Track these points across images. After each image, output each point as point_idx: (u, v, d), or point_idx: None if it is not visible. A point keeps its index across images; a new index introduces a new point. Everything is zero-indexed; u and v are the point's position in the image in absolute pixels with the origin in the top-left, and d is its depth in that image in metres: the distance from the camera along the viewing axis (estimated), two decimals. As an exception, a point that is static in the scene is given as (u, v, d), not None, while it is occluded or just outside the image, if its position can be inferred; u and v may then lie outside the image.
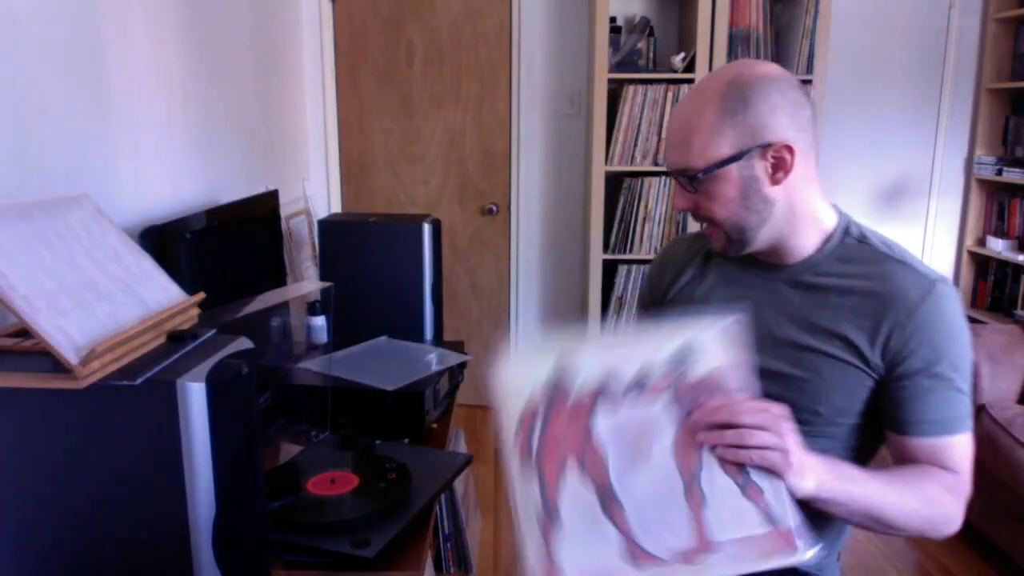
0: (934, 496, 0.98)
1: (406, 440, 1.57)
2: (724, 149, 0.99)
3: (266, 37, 2.65)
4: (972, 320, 3.39)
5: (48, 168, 1.32)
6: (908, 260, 1.05)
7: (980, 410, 2.35)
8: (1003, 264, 3.40)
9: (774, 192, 1.01)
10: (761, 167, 1.00)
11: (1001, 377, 2.39)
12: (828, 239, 1.08)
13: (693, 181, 1.01)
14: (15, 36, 1.23)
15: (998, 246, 3.35)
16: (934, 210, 3.57)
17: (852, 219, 1.13)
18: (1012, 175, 3.27)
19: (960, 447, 1.01)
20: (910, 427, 1.01)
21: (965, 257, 3.56)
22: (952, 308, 1.01)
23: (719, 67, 1.06)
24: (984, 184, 3.48)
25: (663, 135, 1.08)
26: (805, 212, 1.06)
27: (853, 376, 1.03)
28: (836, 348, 1.03)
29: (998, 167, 3.35)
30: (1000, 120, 3.43)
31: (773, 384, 1.04)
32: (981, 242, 3.52)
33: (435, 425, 1.66)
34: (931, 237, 3.59)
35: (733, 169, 0.99)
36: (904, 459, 1.03)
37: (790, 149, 0.99)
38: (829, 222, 1.10)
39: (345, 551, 1.12)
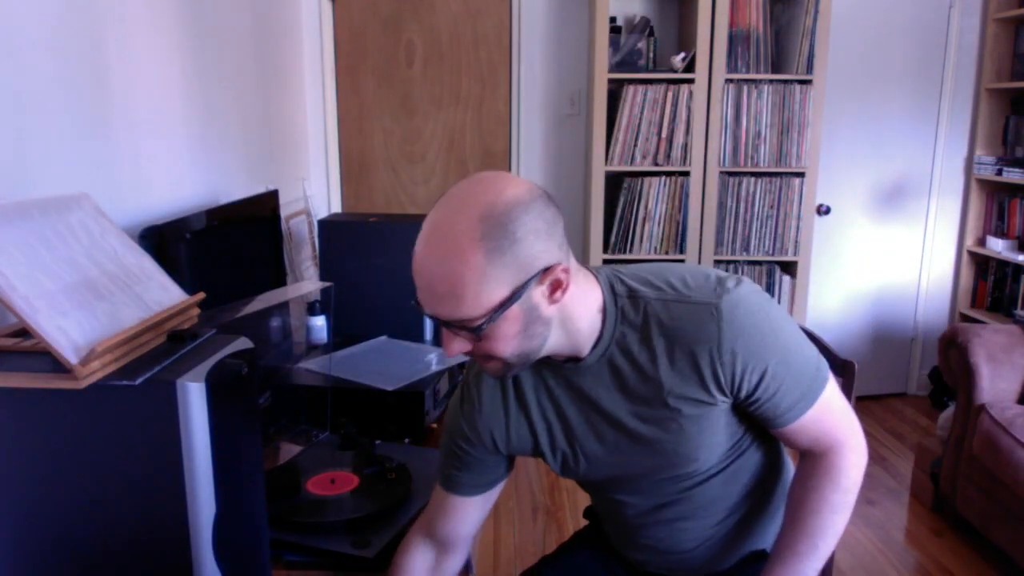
0: (833, 501, 1.04)
1: (406, 440, 1.57)
2: (501, 292, 0.88)
3: (266, 37, 2.65)
4: (972, 320, 3.40)
5: (48, 168, 1.32)
6: (681, 293, 1.00)
7: (980, 410, 2.35)
8: (1003, 264, 3.40)
9: (551, 312, 0.94)
10: (539, 294, 0.91)
11: (1001, 377, 2.39)
12: (605, 313, 1.01)
13: (476, 332, 0.89)
14: (16, 36, 1.23)
15: (998, 246, 3.35)
16: (934, 210, 3.57)
17: (610, 275, 1.05)
18: (1012, 175, 3.27)
19: (825, 405, 1.03)
20: (780, 420, 1.03)
21: (965, 257, 3.56)
22: (745, 312, 0.97)
23: (449, 198, 0.89)
24: (984, 184, 3.49)
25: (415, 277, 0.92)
26: (577, 310, 0.98)
27: (705, 419, 1.02)
28: (677, 405, 1.01)
29: (998, 167, 3.35)
30: (1000, 120, 3.43)
31: (643, 462, 1.06)
32: (981, 242, 3.52)
33: (435, 425, 1.66)
34: (931, 237, 3.60)
35: (515, 308, 0.89)
36: (790, 442, 1.07)
37: (565, 269, 0.92)
38: (596, 298, 1.00)
39: (345, 551, 1.12)
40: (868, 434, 3.30)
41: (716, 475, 1.09)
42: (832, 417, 1.04)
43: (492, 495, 1.15)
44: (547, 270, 0.90)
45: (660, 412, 1.01)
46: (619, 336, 1.01)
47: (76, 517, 0.85)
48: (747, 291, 0.99)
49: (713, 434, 1.03)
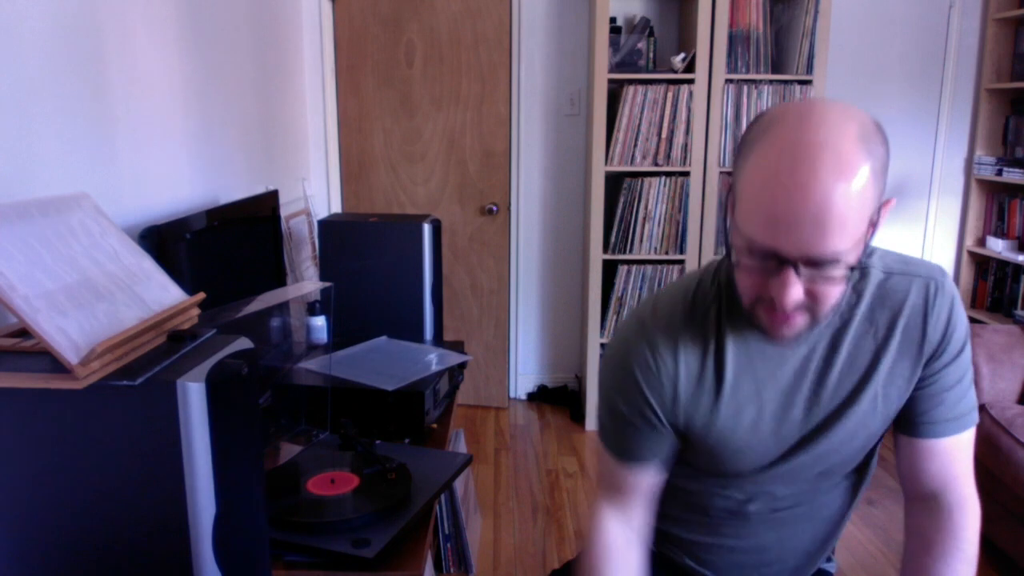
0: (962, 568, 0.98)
1: (406, 440, 1.57)
2: (869, 218, 0.78)
3: (266, 37, 2.65)
4: (972, 320, 3.39)
5: (48, 168, 1.32)
6: (910, 268, 0.97)
7: (980, 410, 2.35)
8: (1003, 264, 3.40)
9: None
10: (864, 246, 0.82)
11: (1001, 377, 2.39)
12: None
13: (836, 267, 0.79)
14: (16, 36, 1.22)
15: (998, 246, 3.35)
16: (934, 210, 3.57)
17: None
18: (1012, 175, 3.27)
19: (969, 441, 1.00)
20: (932, 429, 0.99)
21: (965, 257, 3.56)
22: (957, 296, 0.99)
23: (809, 118, 0.78)
24: (984, 184, 3.49)
25: (763, 213, 0.78)
26: None
27: (881, 409, 0.99)
28: (883, 383, 0.97)
29: (998, 167, 3.35)
30: (1000, 120, 3.43)
31: (807, 455, 1.00)
32: (981, 242, 3.52)
33: (435, 425, 1.66)
34: (931, 237, 3.60)
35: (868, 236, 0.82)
36: (917, 466, 1.00)
37: (889, 205, 0.85)
38: None
39: (345, 551, 1.12)
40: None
41: (847, 476, 1.07)
42: (967, 460, 1.00)
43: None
44: (887, 201, 0.84)
45: (865, 390, 0.96)
46: (845, 306, 0.96)
47: (76, 517, 0.85)
48: (956, 289, 1.01)
49: (874, 435, 1.01)
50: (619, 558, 1.02)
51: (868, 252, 0.99)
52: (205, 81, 2.02)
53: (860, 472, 1.09)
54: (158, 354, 0.90)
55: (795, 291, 0.80)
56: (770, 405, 0.97)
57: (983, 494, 2.33)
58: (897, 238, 3.58)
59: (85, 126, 1.44)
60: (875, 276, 0.96)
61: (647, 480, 1.03)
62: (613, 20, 3.14)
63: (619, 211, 3.10)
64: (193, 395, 0.82)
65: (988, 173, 3.40)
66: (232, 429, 0.86)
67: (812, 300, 0.82)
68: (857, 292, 0.96)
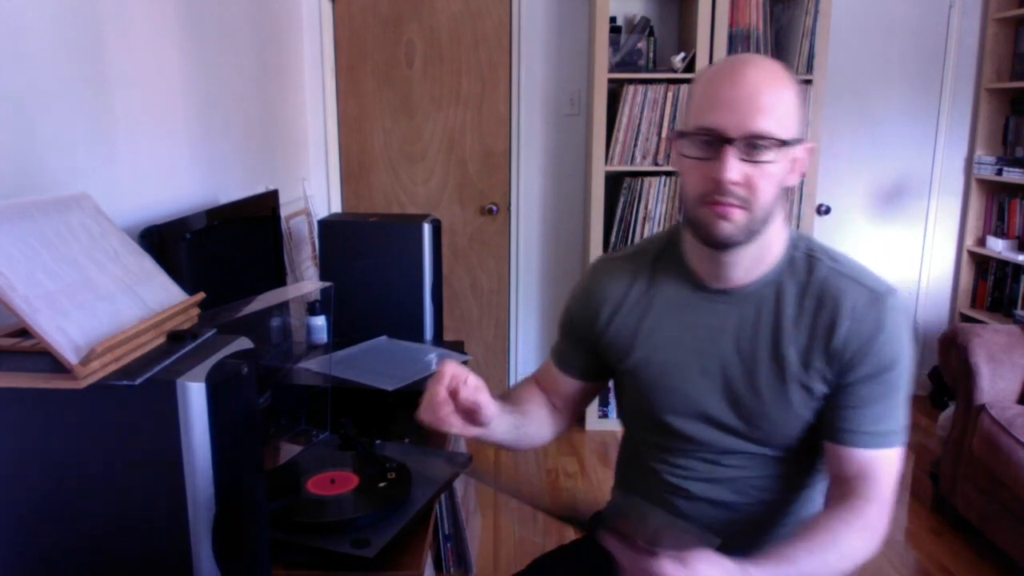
0: (851, 548, 0.98)
1: (406, 440, 1.57)
2: (793, 130, 0.98)
3: (266, 37, 2.65)
4: (972, 320, 3.39)
5: (48, 168, 1.32)
6: (858, 275, 1.05)
7: (980, 410, 2.35)
8: (1003, 264, 3.40)
9: (790, 182, 1.02)
10: (797, 153, 1.01)
11: (1001, 377, 2.39)
12: (778, 257, 1.07)
13: (769, 150, 0.96)
14: (16, 36, 1.22)
15: (998, 246, 3.35)
16: (934, 210, 3.57)
17: (799, 233, 1.12)
18: (1012, 175, 3.27)
19: (891, 462, 1.03)
20: (849, 436, 1.03)
21: (965, 257, 3.56)
22: (902, 322, 1.02)
23: (743, 56, 1.02)
24: (984, 184, 3.48)
25: (709, 101, 0.99)
26: (777, 222, 1.05)
27: (800, 395, 1.05)
28: (788, 370, 1.05)
29: (998, 167, 3.35)
30: (1000, 120, 3.43)
31: (730, 416, 1.08)
32: (981, 242, 3.52)
33: (435, 425, 1.66)
34: (931, 237, 3.59)
35: (791, 151, 0.99)
36: (836, 469, 1.04)
37: (809, 151, 1.03)
38: (784, 236, 1.08)
39: (345, 551, 1.12)
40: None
41: (787, 461, 1.10)
42: (888, 477, 1.03)
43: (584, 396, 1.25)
44: (805, 142, 1.02)
45: (786, 368, 1.04)
46: (779, 283, 1.06)
47: (76, 517, 0.85)
48: (908, 315, 1.04)
49: (795, 418, 1.05)
50: (528, 389, 1.25)
51: (831, 255, 1.07)
52: (205, 81, 2.02)
53: (802, 462, 1.11)
54: (158, 354, 0.90)
55: (734, 168, 0.95)
56: (693, 355, 1.09)
57: (983, 494, 2.33)
58: (897, 238, 3.58)
59: (85, 126, 1.44)
60: (821, 270, 1.05)
61: (564, 386, 1.24)
62: (613, 20, 3.14)
63: (619, 211, 3.10)
64: (193, 395, 0.82)
65: (988, 173, 3.40)
66: (232, 429, 0.86)
67: (748, 189, 0.96)
68: (798, 276, 1.05)
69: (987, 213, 3.53)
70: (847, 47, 3.34)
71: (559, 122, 3.39)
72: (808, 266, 1.06)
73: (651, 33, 3.13)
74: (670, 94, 2.98)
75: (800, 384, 1.04)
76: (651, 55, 3.11)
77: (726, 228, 0.99)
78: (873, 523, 1.00)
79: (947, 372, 2.54)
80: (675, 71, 3.00)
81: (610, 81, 3.02)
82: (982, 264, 3.54)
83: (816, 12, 2.91)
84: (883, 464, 1.02)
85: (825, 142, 3.38)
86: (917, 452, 2.78)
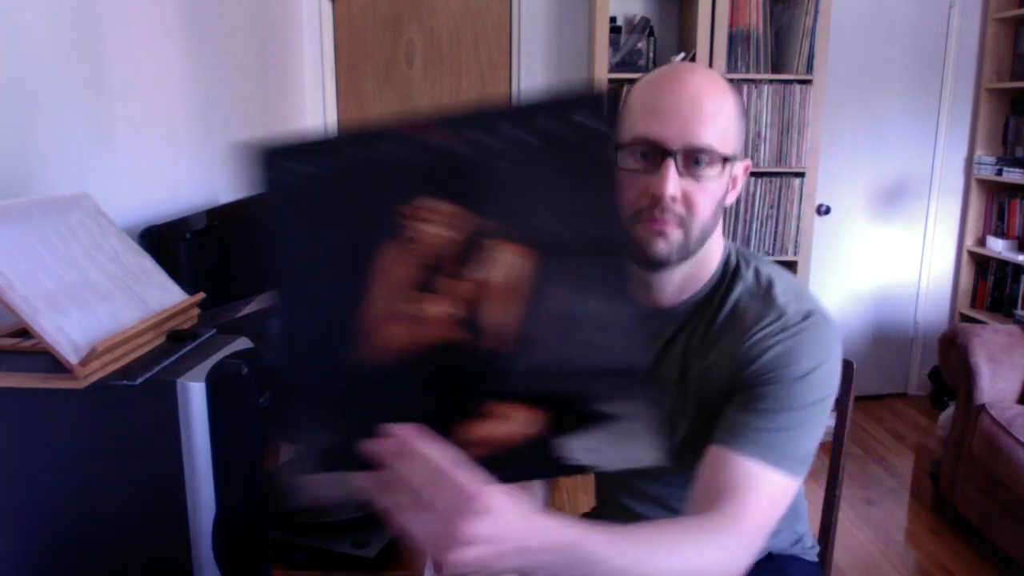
0: (699, 560, 0.77)
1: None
2: (736, 144, 0.93)
3: (266, 37, 2.65)
4: (972, 320, 3.39)
5: (48, 168, 1.32)
6: (777, 295, 0.96)
7: (980, 410, 2.35)
8: (1003, 264, 3.40)
9: (728, 200, 0.97)
10: (732, 177, 0.96)
11: (1001, 377, 2.39)
12: (710, 276, 1.01)
13: (711, 166, 0.90)
14: (16, 35, 1.22)
15: (998, 246, 3.35)
16: (934, 210, 3.57)
17: (736, 249, 1.04)
18: (1012, 175, 3.27)
19: (772, 491, 0.86)
20: (729, 437, 0.88)
21: (965, 257, 3.56)
22: (822, 341, 0.92)
23: (683, 64, 1.00)
24: (984, 184, 3.48)
25: (647, 109, 0.92)
26: (713, 240, 0.98)
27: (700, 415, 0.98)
28: (689, 390, 0.99)
29: (998, 167, 3.34)
30: (1000, 120, 3.43)
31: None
32: (981, 242, 3.52)
33: (435, 425, 1.66)
34: (931, 237, 3.59)
35: (730, 168, 0.94)
36: (707, 477, 0.87)
37: (747, 169, 0.99)
38: (717, 256, 1.01)
39: (345, 551, 1.12)
40: (868, 434, 3.30)
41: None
42: (765, 503, 0.84)
43: None
44: (742, 159, 0.97)
45: (686, 381, 0.99)
46: (705, 304, 1.00)
47: (76, 517, 0.85)
48: (830, 342, 0.93)
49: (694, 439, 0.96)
50: None
51: (759, 274, 0.99)
52: (205, 81, 2.02)
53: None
54: (158, 354, 0.90)
55: (673, 183, 0.89)
56: None
57: (983, 494, 2.33)
58: (897, 238, 3.58)
59: (85, 126, 1.44)
60: (737, 290, 0.98)
61: None
62: (613, 20, 3.14)
63: (619, 211, 3.10)
64: (193, 395, 0.82)
65: (988, 173, 3.40)
66: (232, 429, 0.86)
67: (686, 207, 0.91)
68: (719, 296, 1.00)
69: (987, 213, 3.53)
70: (847, 47, 3.34)
71: (559, 122, 3.39)
72: (729, 285, 0.99)
73: (651, 33, 3.13)
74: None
75: (695, 393, 0.98)
76: (651, 55, 3.11)
77: (662, 247, 0.92)
78: (734, 548, 0.80)
79: (947, 372, 2.55)
80: (675, 71, 3.00)
81: (610, 81, 3.02)
82: (982, 264, 3.53)
83: (816, 12, 2.91)
84: (762, 484, 0.85)
85: (825, 142, 3.38)
86: (917, 452, 2.78)
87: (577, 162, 0.58)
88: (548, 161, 0.58)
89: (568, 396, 0.59)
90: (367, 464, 0.59)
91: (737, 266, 1.01)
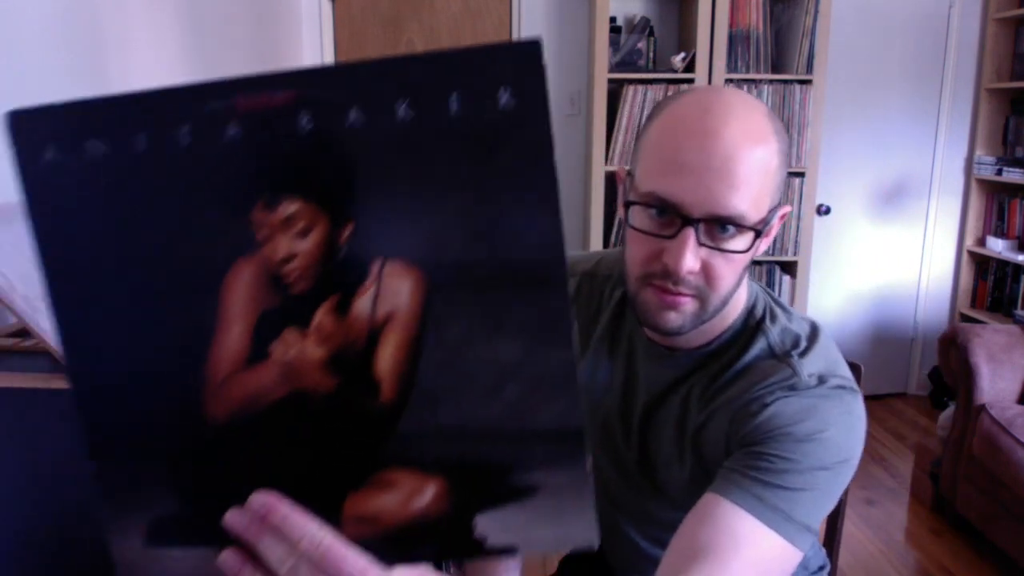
0: None
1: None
2: (771, 203, 0.76)
3: (266, 37, 2.65)
4: (972, 320, 3.40)
5: (48, 168, 1.32)
6: (807, 362, 0.82)
7: (980, 410, 2.35)
8: (1003, 264, 3.40)
9: (753, 255, 0.80)
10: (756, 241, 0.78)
11: (1001, 377, 2.39)
12: (731, 324, 0.88)
13: (738, 235, 0.75)
14: (15, 35, 1.23)
15: (998, 246, 3.35)
16: (934, 210, 3.57)
17: (763, 295, 0.90)
18: (1012, 175, 3.27)
19: (771, 557, 0.74)
20: (723, 485, 0.76)
21: (965, 257, 3.56)
22: (843, 408, 0.80)
23: (719, 90, 0.78)
24: (984, 184, 3.48)
25: (668, 162, 0.74)
26: (740, 289, 0.86)
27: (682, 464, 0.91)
28: (696, 448, 0.88)
29: (998, 167, 3.35)
30: (1000, 120, 3.43)
31: (642, 475, 0.94)
32: (981, 242, 3.52)
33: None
34: (931, 237, 3.60)
35: (760, 236, 0.77)
36: (691, 527, 0.75)
37: (784, 216, 0.82)
38: (741, 301, 0.88)
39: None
40: (868, 434, 3.30)
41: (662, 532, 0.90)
42: (747, 573, 0.73)
43: None
44: (780, 205, 0.79)
45: (678, 450, 0.90)
46: (719, 353, 0.87)
47: (76, 517, 0.85)
48: (850, 415, 0.80)
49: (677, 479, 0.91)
50: None
51: (782, 330, 0.86)
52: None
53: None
54: (158, 354, 0.89)
55: (692, 256, 0.74)
56: (616, 392, 0.95)
57: (983, 494, 2.33)
58: (897, 238, 3.58)
59: (85, 126, 1.44)
60: (756, 347, 0.85)
61: None
62: (613, 20, 3.14)
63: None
64: (193, 395, 0.82)
65: (988, 173, 3.40)
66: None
67: (706, 279, 0.77)
68: (733, 350, 0.87)
69: (987, 213, 3.53)
70: (847, 47, 3.34)
71: (559, 122, 3.39)
72: (748, 341, 0.86)
73: (651, 33, 3.13)
74: (670, 94, 2.98)
75: (685, 455, 0.89)
76: (651, 55, 3.11)
77: (673, 320, 0.79)
78: None
79: (947, 372, 2.55)
80: (675, 71, 3.00)
81: (610, 81, 3.02)
82: (982, 264, 3.54)
83: (816, 12, 2.91)
84: (752, 545, 0.73)
85: (825, 142, 3.38)
86: (917, 452, 2.78)
87: (490, 153, 0.42)
88: (453, 147, 0.41)
89: (477, 464, 0.45)
90: (218, 540, 0.45)
91: (761, 320, 0.87)
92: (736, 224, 0.74)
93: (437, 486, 0.46)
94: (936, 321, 3.66)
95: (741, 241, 0.75)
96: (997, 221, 3.48)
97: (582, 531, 0.46)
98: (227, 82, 0.43)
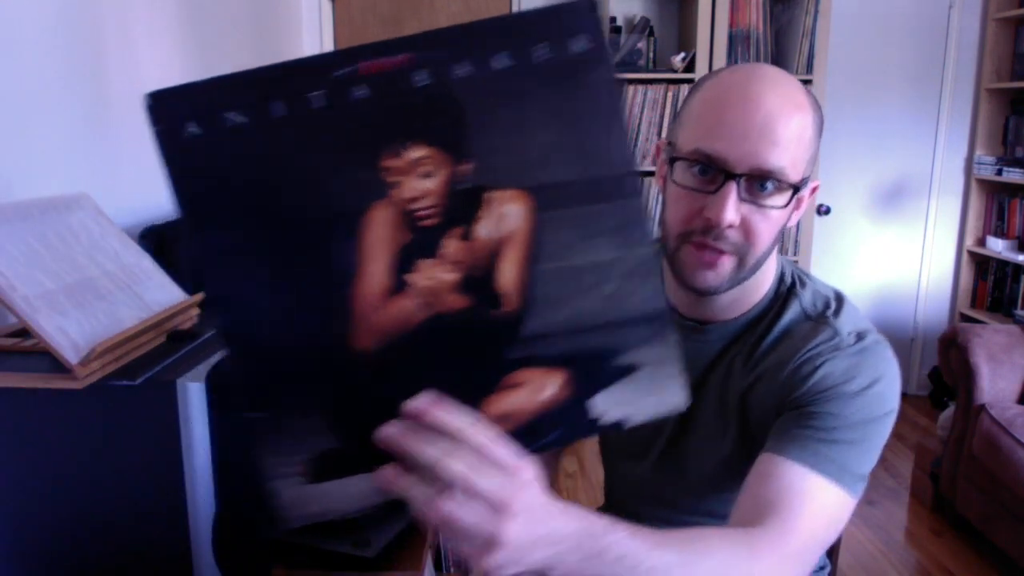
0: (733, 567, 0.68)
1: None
2: (807, 167, 0.83)
3: (266, 37, 2.65)
4: (972, 320, 3.39)
5: (48, 168, 1.32)
6: (842, 321, 0.88)
7: (980, 410, 2.35)
8: (1003, 264, 3.40)
9: (790, 223, 0.88)
10: (797, 200, 0.84)
11: (1001, 377, 2.39)
12: (764, 294, 0.93)
13: (777, 192, 0.80)
14: (15, 36, 1.22)
15: (998, 246, 3.35)
16: (934, 210, 3.57)
17: (790, 266, 0.96)
18: (1012, 175, 3.27)
19: (830, 500, 0.78)
20: (782, 446, 0.80)
21: (965, 257, 3.56)
22: (880, 364, 0.86)
23: (760, 66, 0.84)
24: (984, 184, 3.48)
25: (712, 123, 0.80)
26: (771, 259, 0.91)
27: (728, 437, 0.93)
28: (738, 419, 0.92)
29: (998, 167, 3.34)
30: (1000, 120, 3.43)
31: (673, 467, 0.98)
32: (981, 242, 3.52)
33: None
34: (931, 237, 3.59)
35: (798, 193, 0.83)
36: (755, 488, 0.79)
37: (814, 189, 0.89)
38: (772, 270, 0.93)
39: (345, 551, 1.12)
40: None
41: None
42: (821, 518, 0.77)
43: None
44: (810, 179, 0.85)
45: (722, 422, 0.93)
46: (755, 323, 0.92)
47: (76, 517, 0.85)
48: (887, 361, 0.86)
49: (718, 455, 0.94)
50: None
51: (815, 294, 0.92)
52: (205, 81, 2.02)
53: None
54: (158, 354, 0.90)
55: (733, 209, 0.79)
56: None
57: (983, 494, 2.33)
58: (897, 238, 3.58)
59: (85, 126, 1.44)
60: (791, 311, 0.90)
61: None
62: (613, 20, 3.14)
63: (619, 211, 3.10)
64: (193, 395, 0.82)
65: (988, 173, 3.40)
66: (232, 429, 0.86)
67: (744, 235, 0.82)
68: (769, 317, 0.92)
69: (987, 213, 3.52)
70: (847, 47, 3.34)
71: (559, 122, 3.39)
72: (783, 306, 0.91)
73: (651, 33, 3.13)
74: (670, 94, 2.98)
75: (729, 427, 0.93)
76: (651, 55, 3.11)
77: (710, 279, 0.84)
78: (783, 569, 0.72)
79: (947, 372, 2.54)
80: (675, 71, 3.00)
81: (610, 81, 3.02)
82: (982, 264, 3.53)
83: (816, 12, 2.91)
84: (817, 499, 0.77)
85: (825, 142, 3.37)
86: (917, 452, 2.78)
87: (572, 90, 0.50)
88: (544, 87, 0.50)
89: (590, 353, 0.54)
90: (375, 464, 0.51)
91: (792, 285, 0.93)
92: (776, 179, 0.79)
93: (559, 379, 0.54)
94: (936, 321, 3.66)
95: (779, 198, 0.81)
96: (997, 221, 3.48)
97: (674, 395, 0.55)
98: (350, 51, 0.49)
